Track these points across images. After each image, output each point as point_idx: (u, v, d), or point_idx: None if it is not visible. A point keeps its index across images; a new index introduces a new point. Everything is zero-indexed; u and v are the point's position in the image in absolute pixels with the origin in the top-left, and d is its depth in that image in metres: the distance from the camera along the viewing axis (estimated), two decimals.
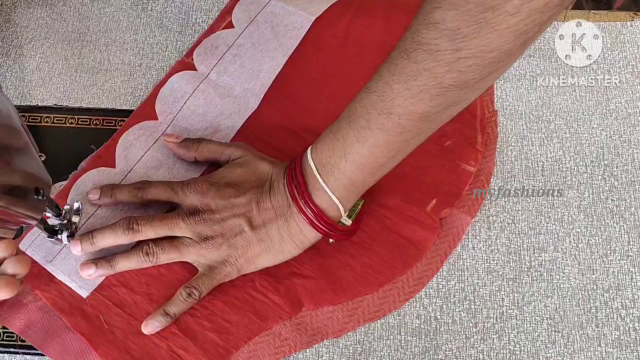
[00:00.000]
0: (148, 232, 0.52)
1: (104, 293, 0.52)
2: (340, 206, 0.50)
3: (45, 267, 0.53)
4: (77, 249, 0.53)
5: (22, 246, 0.53)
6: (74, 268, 0.53)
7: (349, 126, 0.47)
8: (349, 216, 0.51)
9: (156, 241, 0.53)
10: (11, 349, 0.53)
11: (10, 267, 0.46)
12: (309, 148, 0.50)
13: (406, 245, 0.54)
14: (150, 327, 0.51)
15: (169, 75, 0.61)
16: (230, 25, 0.64)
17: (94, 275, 0.52)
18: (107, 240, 0.52)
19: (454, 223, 0.55)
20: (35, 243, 0.53)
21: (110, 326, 0.51)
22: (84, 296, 0.52)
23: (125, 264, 0.53)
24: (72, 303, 0.52)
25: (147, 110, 0.60)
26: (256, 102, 0.60)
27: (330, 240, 0.53)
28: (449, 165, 0.57)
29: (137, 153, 0.57)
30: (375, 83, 0.45)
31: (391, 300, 0.53)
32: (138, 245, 0.53)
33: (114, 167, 0.57)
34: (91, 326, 0.51)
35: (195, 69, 0.62)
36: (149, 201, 0.54)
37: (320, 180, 0.49)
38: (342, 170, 0.48)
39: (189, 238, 0.52)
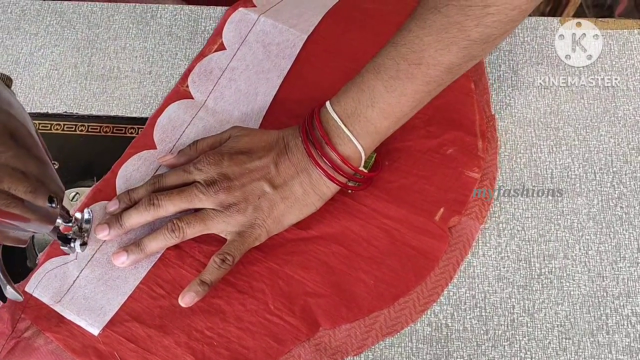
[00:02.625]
0: (168, 206, 0.53)
1: (115, 329, 0.52)
2: (363, 154, 0.52)
3: (54, 308, 0.52)
4: (104, 233, 0.53)
5: (28, 288, 0.52)
6: (83, 306, 0.52)
7: (377, 77, 0.50)
8: (365, 167, 0.54)
9: (181, 217, 0.53)
10: None
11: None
12: (327, 103, 0.52)
13: (417, 257, 0.54)
14: (187, 298, 0.51)
15: (165, 104, 0.61)
16: (222, 47, 0.64)
17: (127, 262, 0.53)
18: (133, 219, 0.53)
19: (464, 230, 0.56)
20: (41, 284, 0.53)
21: None
22: (96, 334, 0.51)
23: (153, 244, 0.53)
24: (84, 342, 0.51)
25: (145, 141, 0.59)
26: (256, 125, 0.60)
27: (349, 190, 0.55)
28: (453, 173, 0.57)
29: (137, 184, 0.56)
30: (404, 37, 0.49)
31: (407, 313, 0.53)
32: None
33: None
34: None
35: (191, 97, 0.61)
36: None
37: (346, 130, 0.51)
38: (368, 118, 0.51)
39: (212, 209, 0.53)
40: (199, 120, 0.60)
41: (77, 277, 0.53)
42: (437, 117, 0.59)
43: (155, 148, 0.59)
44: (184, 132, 0.59)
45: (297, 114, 0.57)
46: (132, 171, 0.57)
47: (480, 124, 0.59)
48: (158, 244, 0.53)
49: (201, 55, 0.64)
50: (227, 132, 0.57)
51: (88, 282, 0.53)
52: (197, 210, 0.53)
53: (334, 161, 0.52)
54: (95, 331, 0.51)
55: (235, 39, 0.64)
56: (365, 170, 0.54)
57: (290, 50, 0.63)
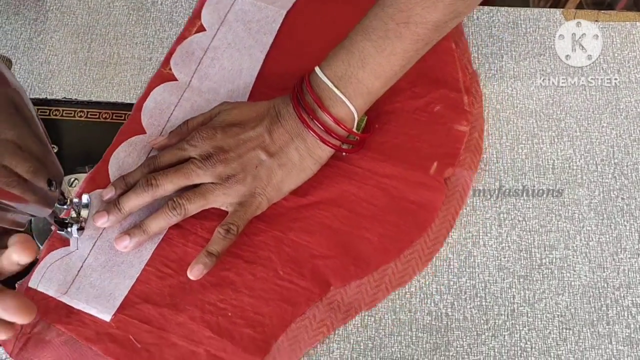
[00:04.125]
0: (166, 184, 0.52)
1: (127, 313, 0.51)
2: (356, 115, 0.53)
3: (61, 300, 0.51)
4: (103, 220, 0.53)
5: (32, 284, 0.51)
6: (91, 294, 0.52)
7: (366, 38, 0.51)
8: (357, 129, 0.54)
9: (180, 194, 0.53)
10: None
11: (15, 252, 0.43)
12: (316, 68, 0.53)
13: (417, 210, 0.55)
14: (196, 270, 0.51)
15: (149, 88, 0.60)
16: (201, 29, 0.63)
17: (130, 246, 0.52)
18: (131, 202, 0.53)
19: (458, 181, 0.57)
20: (45, 278, 0.52)
21: (143, 344, 0.50)
22: (108, 320, 0.51)
23: (155, 225, 0.52)
24: (97, 330, 0.51)
25: (133, 126, 0.58)
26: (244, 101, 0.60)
27: (343, 153, 0.56)
28: (442, 128, 0.58)
29: (130, 169, 0.56)
30: None
31: (414, 264, 0.54)
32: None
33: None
34: (124, 348, 0.50)
35: (175, 79, 0.61)
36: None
37: (338, 92, 0.52)
38: (360, 79, 0.52)
39: (210, 183, 0.53)
40: (186, 101, 0.60)
41: (81, 266, 0.53)
42: (422, 78, 0.60)
43: (145, 133, 0.58)
44: (172, 114, 0.59)
45: (283, 87, 0.57)
46: (123, 157, 0.57)
47: (464, 81, 0.60)
48: (160, 223, 0.53)
49: (181, 37, 0.63)
50: (217, 108, 0.57)
51: (93, 271, 0.52)
52: (195, 186, 0.53)
53: (327, 124, 0.52)
54: (107, 317, 0.51)
55: (214, 20, 0.64)
56: (358, 132, 0.55)
57: (270, 25, 0.63)
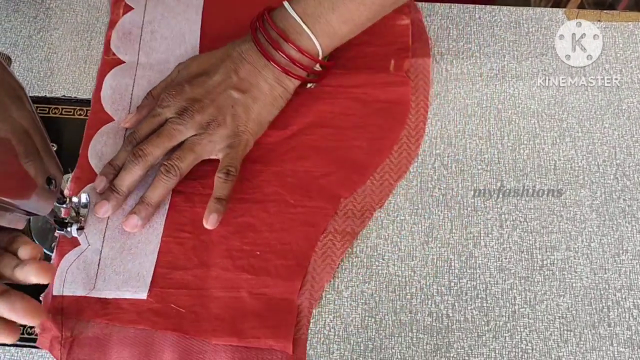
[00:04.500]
0: (153, 150, 0.53)
1: (161, 285, 0.52)
2: (320, 52, 0.55)
3: (91, 296, 0.52)
4: (105, 208, 0.53)
5: (56, 291, 0.51)
6: (120, 280, 0.52)
7: None
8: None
9: (169, 156, 0.53)
10: (17, 342, 0.52)
11: (33, 274, 0.42)
12: (285, 3, 0.54)
13: (392, 107, 0.59)
14: (212, 219, 0.52)
15: (100, 79, 0.60)
16: (128, 9, 0.63)
17: (141, 224, 0.53)
18: (126, 180, 0.53)
19: (418, 69, 0.61)
20: (68, 281, 0.52)
21: (187, 308, 0.51)
22: (144, 297, 0.52)
23: (156, 194, 0.53)
24: (138, 310, 0.51)
25: (98, 117, 0.58)
26: None
27: (309, 85, 0.59)
28: (385, 27, 0.61)
29: (112, 157, 0.56)
30: None
31: (406, 155, 0.58)
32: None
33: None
34: (170, 318, 0.51)
35: (122, 62, 0.61)
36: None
37: (306, 27, 0.54)
38: (328, 21, 0.54)
39: (193, 135, 0.53)
40: (140, 78, 0.60)
41: (99, 259, 0.53)
42: None
43: (113, 120, 0.58)
44: (132, 94, 0.59)
45: (228, 38, 0.58)
46: (101, 147, 0.57)
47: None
48: (160, 191, 0.53)
49: (112, 22, 0.63)
50: (174, 70, 0.58)
51: (112, 259, 0.53)
52: (181, 145, 0.54)
53: (292, 56, 0.54)
54: (143, 295, 0.52)
55: None
56: (320, 68, 0.57)
57: None
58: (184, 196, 0.55)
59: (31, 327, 0.52)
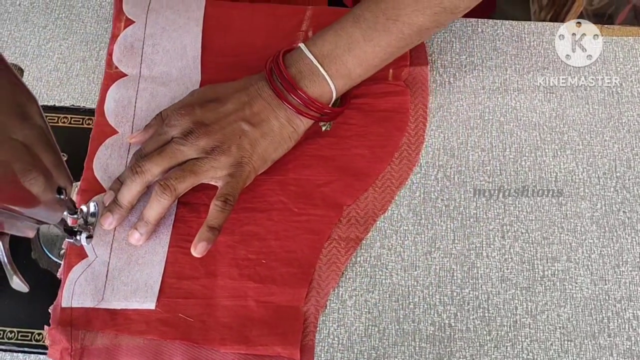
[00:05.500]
0: (152, 168, 0.53)
1: (168, 295, 0.53)
2: (334, 94, 0.56)
3: (100, 307, 0.52)
4: (109, 221, 0.54)
5: (65, 303, 0.52)
6: (128, 291, 0.53)
7: (356, 26, 0.54)
8: (333, 105, 0.57)
9: (167, 175, 0.53)
10: (25, 348, 0.53)
11: None
12: (301, 45, 0.55)
13: (392, 115, 0.60)
14: (200, 247, 0.51)
15: (103, 92, 0.61)
16: (129, 23, 0.64)
17: (143, 238, 0.53)
18: (125, 195, 0.53)
19: (416, 77, 0.62)
20: (76, 293, 0.53)
21: (195, 317, 0.52)
22: (153, 307, 0.52)
23: (152, 213, 0.53)
24: (146, 320, 0.52)
25: (102, 130, 0.59)
26: (197, 74, 0.62)
27: (323, 127, 0.59)
28: None
29: (118, 169, 0.57)
30: None
31: (406, 162, 0.59)
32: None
33: (105, 191, 0.56)
34: (178, 327, 0.52)
35: (125, 75, 0.62)
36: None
37: (322, 69, 0.54)
38: (344, 62, 0.55)
39: (196, 158, 0.53)
40: (143, 90, 0.61)
41: (107, 271, 0.53)
42: None
43: (117, 132, 0.59)
44: (135, 106, 0.60)
45: (231, 52, 0.62)
46: (106, 160, 0.58)
47: None
48: (156, 210, 0.53)
49: (114, 36, 0.64)
50: (189, 94, 0.58)
51: (120, 271, 0.54)
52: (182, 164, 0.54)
53: (304, 98, 0.54)
54: (151, 305, 0.52)
55: (139, 10, 0.65)
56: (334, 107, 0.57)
57: (198, 1, 0.65)
58: (190, 207, 0.56)
59: (39, 335, 0.53)
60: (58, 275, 0.54)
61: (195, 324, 0.52)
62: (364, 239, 0.56)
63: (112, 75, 0.62)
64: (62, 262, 0.55)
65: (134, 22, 0.64)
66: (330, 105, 0.56)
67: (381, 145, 0.59)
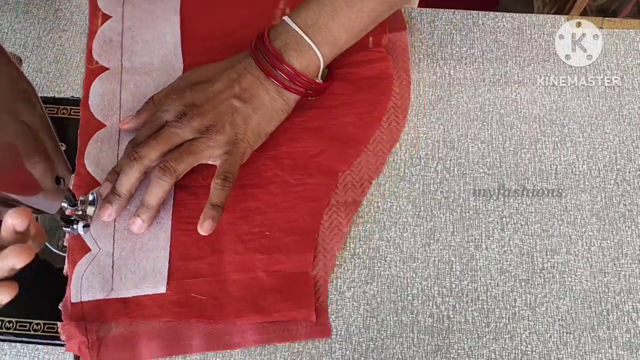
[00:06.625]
0: (149, 153, 0.53)
1: (177, 277, 0.54)
2: (322, 63, 0.56)
3: (110, 297, 0.53)
4: (108, 212, 0.54)
5: (74, 299, 0.52)
6: (136, 278, 0.53)
7: None
8: (321, 77, 0.58)
9: (166, 158, 0.53)
10: (24, 338, 0.53)
11: (10, 217, 0.42)
12: (285, 18, 0.55)
13: (376, 82, 0.61)
14: (206, 225, 0.52)
15: (86, 87, 0.61)
16: (106, 18, 0.64)
17: (144, 225, 0.54)
18: (124, 183, 0.53)
19: (396, 43, 0.63)
20: (84, 288, 0.53)
21: (207, 295, 0.53)
22: (164, 291, 0.53)
23: (153, 197, 0.53)
24: (159, 304, 0.53)
25: (90, 125, 0.59)
26: (179, 61, 0.62)
27: (310, 97, 0.59)
28: None
29: (110, 162, 0.57)
30: None
31: (395, 124, 0.60)
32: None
33: (100, 184, 0.56)
34: (192, 307, 0.53)
35: (107, 69, 0.62)
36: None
37: (307, 38, 0.54)
38: (329, 29, 0.55)
39: (191, 139, 0.53)
40: (127, 82, 0.61)
41: (113, 261, 0.54)
42: None
43: (104, 126, 0.59)
44: (120, 98, 0.60)
45: (210, 33, 0.62)
46: (97, 154, 0.58)
47: None
48: (157, 193, 0.53)
49: (92, 32, 0.63)
50: (178, 78, 0.58)
51: (125, 260, 0.54)
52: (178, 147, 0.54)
53: (290, 73, 0.55)
54: (162, 289, 0.53)
55: (115, 5, 0.64)
56: (321, 81, 0.58)
57: None
58: (187, 190, 0.56)
59: (37, 325, 0.53)
60: (64, 272, 0.54)
61: (208, 301, 0.53)
62: (361, 202, 0.57)
63: (94, 70, 0.62)
64: (60, 253, 0.55)
65: (110, 17, 0.64)
66: (319, 75, 0.57)
67: (368, 111, 0.60)
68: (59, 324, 0.52)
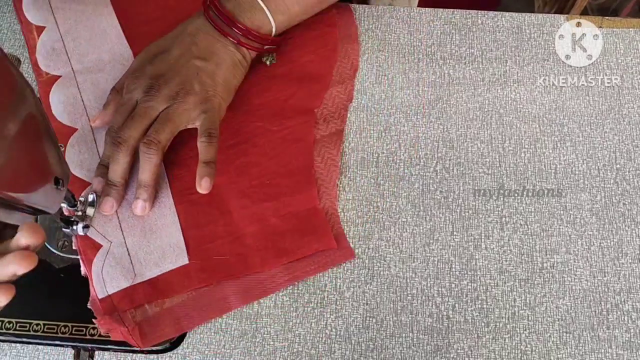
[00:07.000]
0: (131, 133, 0.53)
1: (196, 244, 0.55)
2: (274, 29, 0.58)
3: (136, 282, 0.53)
4: (109, 204, 0.54)
5: (100, 295, 0.52)
6: (156, 258, 0.54)
7: None
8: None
9: (147, 133, 0.53)
10: (24, 339, 0.53)
11: (23, 237, 0.42)
12: None
13: (321, 27, 0.64)
14: (204, 183, 0.53)
15: (45, 99, 0.60)
16: (41, 29, 0.64)
17: (147, 205, 0.54)
18: (116, 170, 0.54)
19: (340, 14, 0.65)
20: (107, 282, 0.53)
21: (229, 253, 0.54)
22: (187, 261, 0.54)
23: (145, 174, 0.54)
24: (186, 275, 0.54)
25: (62, 133, 0.58)
26: (127, 49, 0.62)
27: (266, 60, 0.61)
28: None
29: (94, 161, 0.57)
30: None
31: (350, 50, 0.63)
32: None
33: (90, 183, 0.56)
34: (218, 269, 0.54)
35: (59, 77, 0.62)
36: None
37: (261, 2, 0.56)
38: None
39: (166, 107, 0.54)
40: (83, 83, 0.61)
41: (127, 250, 0.54)
42: None
43: (76, 129, 0.59)
44: (82, 100, 0.60)
45: (150, 15, 0.63)
46: (78, 157, 0.58)
47: None
48: (149, 169, 0.53)
49: (32, 47, 0.63)
50: (133, 61, 0.59)
51: (140, 244, 0.54)
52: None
53: (244, 30, 0.56)
54: (185, 260, 0.54)
55: (45, 15, 0.64)
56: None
57: None
58: (178, 165, 0.57)
59: (37, 325, 0.53)
60: (82, 273, 0.54)
61: (232, 260, 0.54)
62: (344, 130, 0.60)
63: (47, 81, 0.62)
64: (60, 253, 0.55)
65: (44, 27, 0.64)
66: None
67: (322, 45, 0.63)
68: (94, 320, 0.52)
